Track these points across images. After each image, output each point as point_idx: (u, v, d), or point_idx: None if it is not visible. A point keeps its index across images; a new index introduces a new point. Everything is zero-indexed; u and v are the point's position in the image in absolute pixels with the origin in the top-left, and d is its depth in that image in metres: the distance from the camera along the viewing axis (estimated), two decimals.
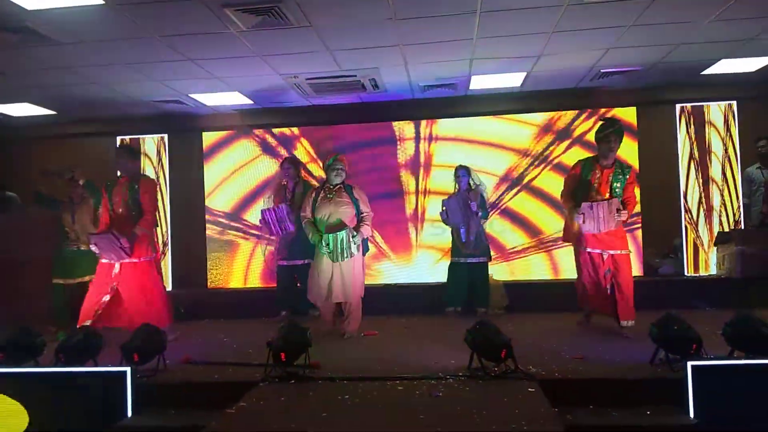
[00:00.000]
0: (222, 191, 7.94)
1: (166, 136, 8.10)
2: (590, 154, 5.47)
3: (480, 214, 6.26)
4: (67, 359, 3.94)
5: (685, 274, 7.20)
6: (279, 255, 6.54)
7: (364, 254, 5.50)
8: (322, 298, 5.26)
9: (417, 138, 7.67)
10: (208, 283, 7.86)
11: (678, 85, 7.14)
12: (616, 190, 5.00)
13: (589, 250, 5.05)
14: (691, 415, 3.28)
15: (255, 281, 7.80)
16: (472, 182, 6.37)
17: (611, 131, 4.95)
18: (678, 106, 7.38)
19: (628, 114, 7.33)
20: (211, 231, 7.93)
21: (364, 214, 5.34)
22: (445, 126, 7.64)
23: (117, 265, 5.11)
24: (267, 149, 7.86)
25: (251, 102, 7.29)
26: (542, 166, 7.48)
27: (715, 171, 7.32)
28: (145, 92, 6.72)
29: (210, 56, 5.59)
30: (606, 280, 5.00)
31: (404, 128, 7.70)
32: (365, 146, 7.71)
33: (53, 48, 5.14)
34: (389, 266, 7.68)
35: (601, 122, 5.15)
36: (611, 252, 4.98)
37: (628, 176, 5.07)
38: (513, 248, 7.47)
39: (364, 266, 5.48)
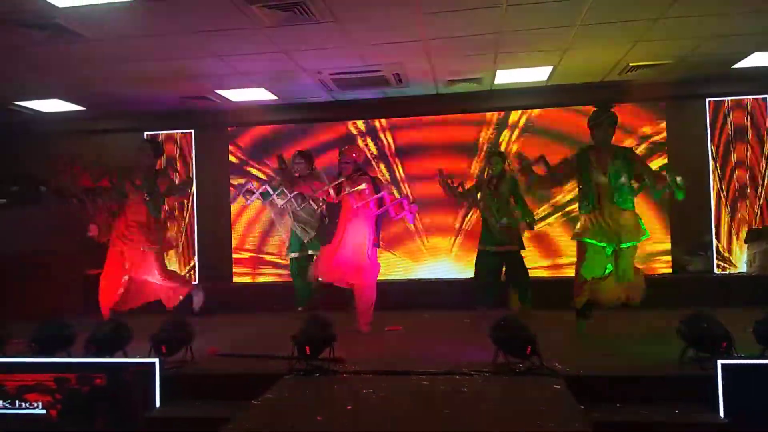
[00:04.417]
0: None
1: (192, 131, 8.19)
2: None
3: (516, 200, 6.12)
4: (97, 350, 4.03)
5: (714, 271, 7.08)
6: (289, 248, 6.54)
7: (374, 247, 5.39)
8: (319, 273, 5.53)
9: None
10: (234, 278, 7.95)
11: (708, 79, 6.97)
12: (617, 172, 4.70)
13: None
14: (721, 413, 3.23)
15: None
16: (507, 166, 6.25)
17: (605, 119, 4.79)
18: (708, 101, 7.24)
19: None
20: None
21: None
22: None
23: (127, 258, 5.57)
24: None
25: (275, 97, 7.33)
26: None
27: (746, 167, 7.16)
28: (172, 88, 6.79)
29: (235, 52, 5.63)
30: None
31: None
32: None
33: (82, 44, 5.22)
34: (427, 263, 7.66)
35: (594, 109, 4.94)
36: None
37: (629, 157, 4.78)
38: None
39: (372, 259, 5.35)
